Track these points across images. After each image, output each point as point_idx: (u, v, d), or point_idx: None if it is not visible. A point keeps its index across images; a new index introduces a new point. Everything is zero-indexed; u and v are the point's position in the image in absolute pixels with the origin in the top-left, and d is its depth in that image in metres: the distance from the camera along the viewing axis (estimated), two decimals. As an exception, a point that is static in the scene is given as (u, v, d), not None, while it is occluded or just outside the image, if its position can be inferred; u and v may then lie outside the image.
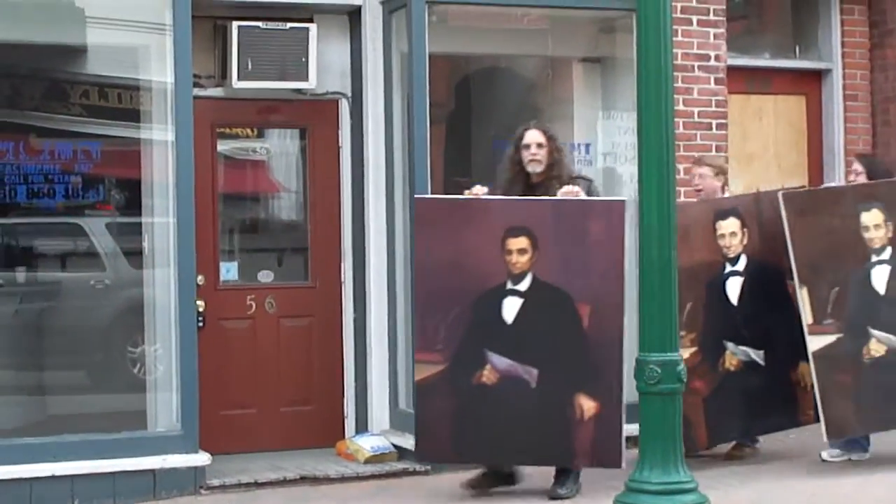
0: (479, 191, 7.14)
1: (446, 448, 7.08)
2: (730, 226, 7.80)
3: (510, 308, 6.94)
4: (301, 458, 8.14)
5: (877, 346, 7.68)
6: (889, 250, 7.77)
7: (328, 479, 7.78)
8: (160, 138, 7.78)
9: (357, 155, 8.49)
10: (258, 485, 7.68)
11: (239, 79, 8.07)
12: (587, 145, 9.18)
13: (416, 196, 7.43)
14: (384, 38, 8.37)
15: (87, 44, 8.04)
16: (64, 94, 8.37)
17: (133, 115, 8.08)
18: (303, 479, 7.73)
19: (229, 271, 8.49)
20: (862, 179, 8.09)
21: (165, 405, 7.75)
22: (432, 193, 7.98)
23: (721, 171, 8.25)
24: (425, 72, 8.02)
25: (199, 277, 7.87)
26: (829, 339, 7.57)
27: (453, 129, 9.23)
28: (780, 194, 7.76)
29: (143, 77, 8.00)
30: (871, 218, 7.77)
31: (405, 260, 8.12)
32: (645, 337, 5.79)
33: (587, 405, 6.86)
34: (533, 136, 7.19)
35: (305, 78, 8.20)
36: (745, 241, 7.83)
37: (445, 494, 7.30)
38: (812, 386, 7.72)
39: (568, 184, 7.09)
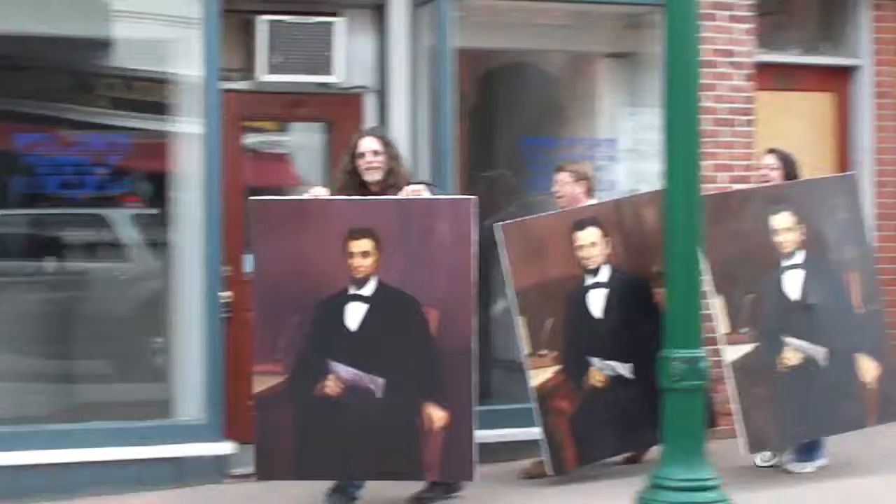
0: (320, 191, 6.79)
1: (288, 465, 6.66)
2: (588, 236, 7.45)
3: (354, 314, 6.59)
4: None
5: (791, 354, 7.47)
6: (801, 254, 7.58)
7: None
8: (188, 131, 7.85)
9: (382, 149, 8.50)
10: (282, 475, 7.73)
11: (266, 72, 8.11)
12: (611, 141, 9.19)
13: (250, 199, 6.91)
14: (411, 33, 8.39)
15: (117, 37, 8.07)
16: (93, 86, 8.45)
17: (161, 108, 8.13)
18: (326, 470, 7.76)
19: (255, 263, 8.53)
20: (776, 175, 7.86)
21: (191, 394, 7.81)
22: (459, 189, 8.02)
23: (581, 177, 7.83)
24: (452, 67, 8.06)
25: (225, 268, 7.92)
26: (746, 348, 7.32)
27: (478, 124, 9.25)
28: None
29: (171, 70, 8.05)
30: (781, 221, 7.56)
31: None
32: (668, 333, 5.80)
33: (436, 415, 6.56)
34: (368, 144, 6.88)
35: (331, 72, 8.23)
36: (607, 251, 7.50)
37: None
38: None
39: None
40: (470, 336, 6.56)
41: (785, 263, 7.56)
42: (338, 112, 8.60)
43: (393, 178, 6.85)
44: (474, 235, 6.59)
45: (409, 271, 6.58)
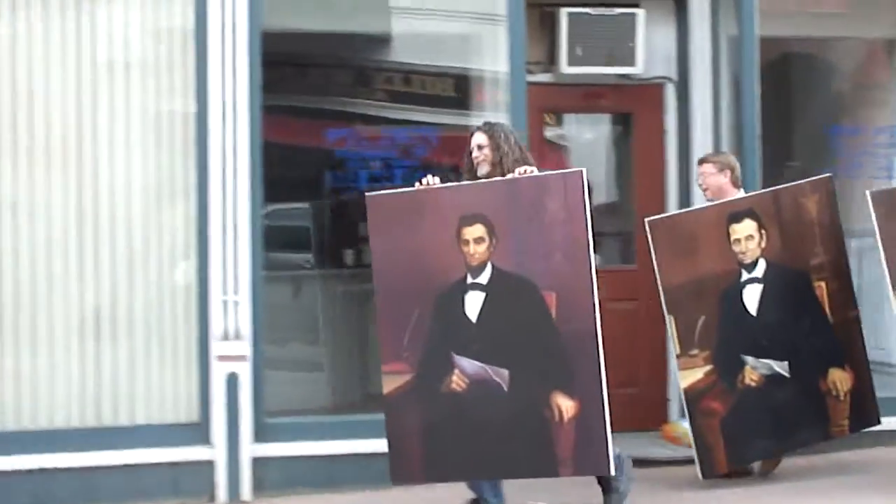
0: (431, 181, 6.45)
1: (421, 468, 6.35)
2: (745, 229, 7.18)
3: (473, 304, 6.25)
4: (626, 440, 8.18)
5: None
6: None
7: (655, 462, 7.80)
8: (493, 125, 7.98)
9: (683, 141, 8.50)
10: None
11: (568, 65, 8.23)
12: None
13: (366, 194, 6.60)
14: (711, 22, 8.36)
15: (423, 34, 8.33)
16: (397, 83, 8.68)
17: (465, 103, 8.34)
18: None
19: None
20: None
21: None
22: (761, 181, 7.93)
23: (725, 167, 7.45)
24: (756, 56, 7.99)
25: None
26: None
27: (776, 113, 9.12)
28: (867, 192, 7.17)
29: (476, 66, 8.24)
30: None
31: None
32: None
33: (566, 405, 6.12)
34: (475, 140, 6.61)
35: (632, 63, 8.28)
36: (763, 245, 7.21)
37: (766, 480, 7.30)
38: (846, 394, 7.24)
39: None
40: (593, 318, 6.07)
41: None
42: (637, 103, 8.63)
43: (507, 167, 6.48)
44: (588, 210, 6.15)
45: (523, 254, 6.22)
